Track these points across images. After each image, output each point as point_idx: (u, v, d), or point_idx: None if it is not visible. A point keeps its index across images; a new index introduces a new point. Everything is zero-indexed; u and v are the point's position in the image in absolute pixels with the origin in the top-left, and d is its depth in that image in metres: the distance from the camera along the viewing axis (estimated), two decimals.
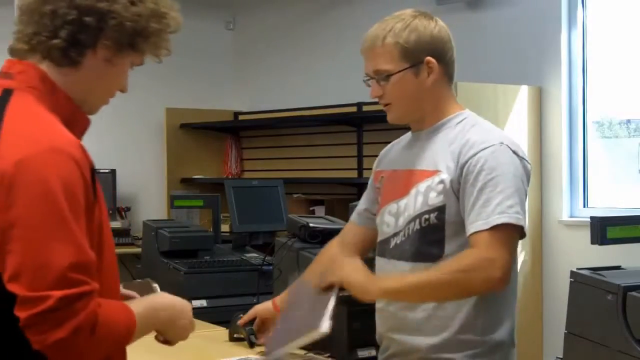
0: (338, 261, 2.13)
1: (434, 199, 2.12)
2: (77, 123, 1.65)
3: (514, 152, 2.12)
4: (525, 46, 5.21)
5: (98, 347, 1.51)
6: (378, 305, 2.28)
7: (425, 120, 2.23)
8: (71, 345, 1.46)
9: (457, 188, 2.10)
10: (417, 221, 2.15)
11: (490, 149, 2.09)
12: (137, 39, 1.64)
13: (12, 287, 1.45)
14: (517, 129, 4.94)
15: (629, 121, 5.21)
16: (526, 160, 2.15)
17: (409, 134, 2.32)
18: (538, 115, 5.10)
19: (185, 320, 1.73)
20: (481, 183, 2.06)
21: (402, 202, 2.20)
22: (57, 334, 1.44)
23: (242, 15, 7.27)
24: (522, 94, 5.03)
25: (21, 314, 1.45)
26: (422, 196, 2.14)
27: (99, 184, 1.61)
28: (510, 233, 2.05)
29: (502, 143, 2.11)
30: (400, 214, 2.20)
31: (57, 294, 1.44)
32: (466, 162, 2.09)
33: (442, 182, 2.12)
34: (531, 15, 5.19)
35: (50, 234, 1.46)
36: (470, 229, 2.05)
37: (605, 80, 5.10)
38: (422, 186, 2.15)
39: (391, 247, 2.23)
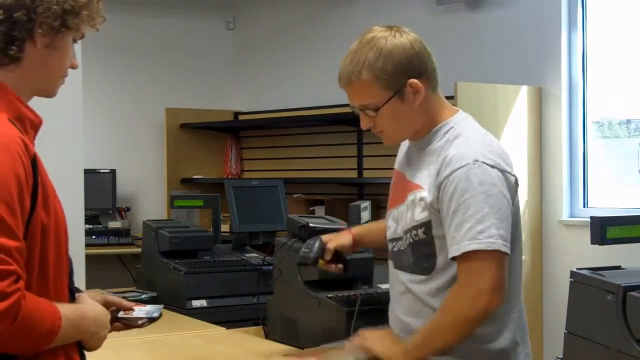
0: (364, 334, 2.22)
1: (419, 215, 2.12)
2: (26, 121, 1.65)
3: (493, 167, 2.04)
4: (525, 46, 5.21)
5: (16, 338, 1.50)
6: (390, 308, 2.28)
7: (417, 133, 2.20)
8: None
9: (438, 207, 2.08)
10: (409, 234, 2.15)
11: (464, 169, 2.02)
12: (68, 18, 1.66)
13: None
14: (517, 129, 4.95)
15: (629, 121, 5.21)
16: (509, 172, 2.08)
17: None
18: (538, 115, 5.10)
19: (106, 331, 1.75)
20: (454, 206, 2.02)
21: (401, 209, 2.20)
22: None
23: (242, 15, 7.27)
24: (522, 94, 5.03)
25: None
26: (410, 211, 2.14)
27: (47, 180, 1.61)
28: (489, 257, 1.99)
29: (476, 161, 2.03)
30: (398, 220, 2.21)
31: None
32: (442, 182, 2.06)
33: (422, 199, 2.11)
34: (531, 15, 5.19)
35: None
36: (449, 253, 2.04)
37: (605, 80, 5.09)
38: (409, 198, 2.15)
39: (392, 251, 2.25)
